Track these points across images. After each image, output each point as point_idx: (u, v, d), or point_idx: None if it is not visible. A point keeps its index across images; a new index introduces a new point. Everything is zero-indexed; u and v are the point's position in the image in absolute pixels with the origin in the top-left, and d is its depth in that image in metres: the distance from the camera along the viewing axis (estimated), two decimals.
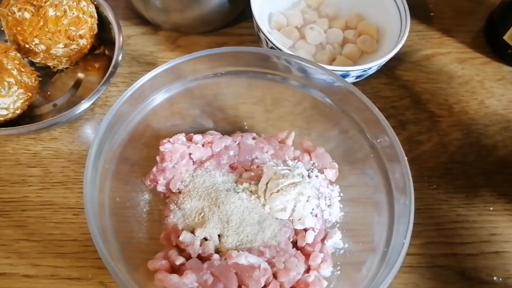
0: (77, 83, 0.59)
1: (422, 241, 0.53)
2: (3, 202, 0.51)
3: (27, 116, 0.54)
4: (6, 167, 0.53)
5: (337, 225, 0.49)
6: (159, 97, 0.50)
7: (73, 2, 0.54)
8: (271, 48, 0.54)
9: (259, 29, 0.54)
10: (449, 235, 0.53)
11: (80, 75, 0.59)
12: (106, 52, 0.60)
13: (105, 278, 0.47)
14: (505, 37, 0.63)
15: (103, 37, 0.59)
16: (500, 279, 0.51)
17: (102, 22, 0.58)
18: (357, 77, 0.55)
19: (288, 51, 0.52)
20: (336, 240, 0.47)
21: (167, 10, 0.60)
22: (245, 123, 0.55)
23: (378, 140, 0.48)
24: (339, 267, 0.47)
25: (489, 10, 0.68)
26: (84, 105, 0.52)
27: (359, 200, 0.51)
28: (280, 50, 0.53)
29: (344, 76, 0.53)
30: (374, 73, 0.60)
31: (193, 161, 0.49)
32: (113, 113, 0.45)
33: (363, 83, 0.62)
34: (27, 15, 0.52)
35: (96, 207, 0.42)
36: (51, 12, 0.52)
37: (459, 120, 0.61)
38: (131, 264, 0.43)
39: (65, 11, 0.53)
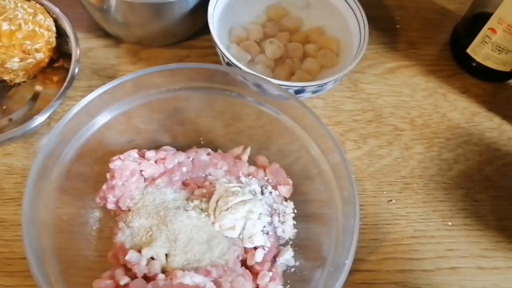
0: (35, 96, 0.58)
1: (379, 257, 0.52)
2: None
3: None
4: None
5: (290, 242, 0.49)
6: (112, 112, 0.50)
7: (28, 16, 0.54)
8: (227, 63, 0.54)
9: (215, 44, 0.54)
10: (406, 250, 0.53)
11: (38, 88, 0.58)
12: (65, 66, 0.59)
13: None
14: (468, 50, 0.63)
15: (63, 50, 0.58)
16: None
17: (62, 35, 0.58)
18: (314, 92, 0.55)
19: (244, 67, 0.52)
20: (288, 257, 0.47)
21: (128, 24, 0.59)
22: (201, 138, 0.54)
23: (329, 158, 0.47)
24: (288, 285, 0.46)
25: (455, 23, 0.68)
26: (39, 119, 0.52)
27: (313, 216, 0.51)
28: (236, 66, 0.52)
29: (300, 91, 0.53)
30: (337, 86, 0.60)
31: (144, 178, 0.49)
32: (60, 127, 0.44)
33: (325, 96, 0.62)
34: None
35: (38, 224, 0.41)
36: (4, 26, 0.52)
37: (421, 133, 0.61)
38: (75, 283, 0.43)
39: (19, 25, 0.53)
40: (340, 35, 0.60)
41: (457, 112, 0.63)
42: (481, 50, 0.61)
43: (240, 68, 0.52)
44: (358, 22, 0.58)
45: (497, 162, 0.60)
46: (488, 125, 0.62)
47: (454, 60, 0.67)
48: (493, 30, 0.58)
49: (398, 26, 0.70)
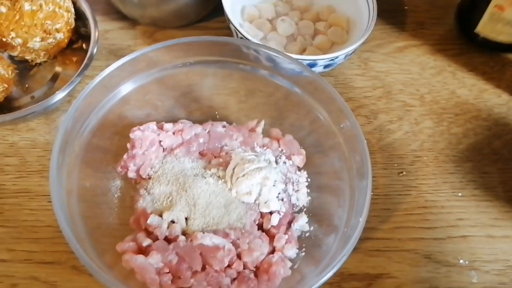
0: (55, 77, 0.60)
1: (390, 226, 0.54)
2: None
3: (5, 108, 0.56)
4: None
5: (304, 210, 0.51)
6: (129, 86, 0.52)
7: None
8: (241, 39, 0.55)
9: (229, 21, 0.56)
10: (417, 220, 0.54)
11: (58, 68, 0.60)
12: (84, 47, 0.61)
13: (77, 262, 0.48)
14: (478, 30, 0.63)
15: (82, 31, 0.60)
16: (466, 262, 0.52)
17: (81, 17, 0.59)
18: (326, 66, 0.56)
19: (256, 41, 0.53)
20: (302, 223, 0.49)
21: (143, 5, 0.61)
22: (216, 113, 0.56)
23: (341, 126, 0.49)
24: (304, 249, 0.48)
25: None
26: (59, 95, 0.53)
27: (326, 186, 0.52)
28: (248, 40, 0.54)
29: (312, 65, 0.55)
30: (347, 64, 0.61)
31: (163, 148, 0.50)
32: (81, 99, 0.46)
33: (336, 73, 0.63)
34: (3, 9, 0.54)
35: (64, 193, 0.43)
36: (26, 7, 0.54)
37: (430, 109, 0.62)
38: (99, 248, 0.44)
39: (40, 6, 0.55)
40: (350, 13, 0.62)
41: (465, 89, 0.64)
42: (491, 28, 0.62)
43: (253, 41, 0.53)
44: (367, 1, 0.59)
45: (506, 137, 0.61)
46: (497, 101, 0.64)
47: (462, 39, 0.68)
48: (499, 7, 0.59)
49: (406, 7, 0.71)
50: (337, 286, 0.50)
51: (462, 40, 0.68)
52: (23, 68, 0.58)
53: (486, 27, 0.62)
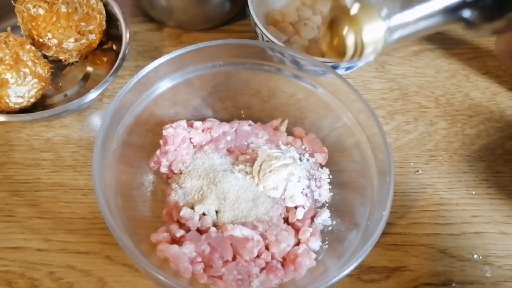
0: (86, 76, 0.63)
1: (407, 222, 0.56)
2: (18, 183, 0.55)
3: (40, 105, 0.58)
4: (21, 152, 0.57)
5: (326, 205, 0.53)
6: (161, 87, 0.54)
7: (83, 0, 0.58)
8: (267, 42, 0.58)
9: (255, 24, 0.58)
10: (433, 216, 0.57)
11: (89, 68, 0.63)
12: (114, 47, 0.64)
13: (111, 252, 0.51)
14: None
15: (111, 33, 0.63)
16: (480, 257, 0.54)
17: (110, 19, 0.62)
18: (347, 68, 0.59)
19: (282, 44, 0.56)
20: (325, 217, 0.51)
21: (171, 8, 0.64)
22: (242, 112, 0.59)
23: (365, 128, 0.51)
24: (327, 242, 0.51)
25: None
26: (93, 94, 0.56)
27: (347, 183, 0.55)
28: (275, 43, 0.57)
29: (334, 68, 0.57)
30: (365, 67, 0.63)
31: (193, 145, 0.53)
32: (119, 100, 0.49)
33: (354, 76, 0.66)
34: (41, 11, 0.56)
35: (104, 185, 0.46)
36: (63, 9, 0.57)
37: (444, 111, 0.65)
38: (135, 239, 0.47)
39: (76, 8, 0.57)
40: None
41: (479, 92, 0.67)
42: None
43: (279, 45, 0.56)
44: None
45: None
46: (509, 103, 0.66)
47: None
48: None
49: None
50: (357, 278, 0.52)
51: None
52: (57, 67, 0.61)
53: None
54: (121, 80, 0.62)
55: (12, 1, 0.58)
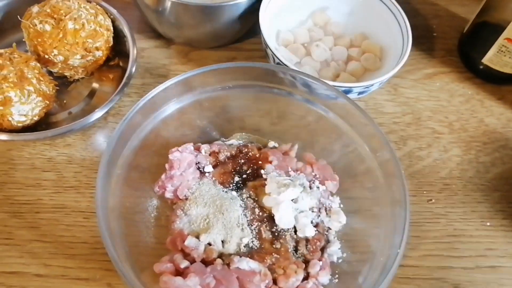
0: (92, 93, 0.61)
1: (420, 254, 0.54)
2: (18, 204, 0.53)
3: (43, 123, 0.57)
4: (22, 171, 0.55)
5: (337, 235, 0.51)
6: (169, 108, 0.53)
7: (91, 16, 0.57)
8: (278, 63, 0.56)
9: (266, 45, 0.57)
10: (446, 248, 0.55)
11: (95, 85, 0.62)
12: (121, 64, 0.62)
13: (112, 279, 0.49)
14: (485, 61, 0.64)
15: (118, 49, 0.61)
16: None
17: (118, 35, 0.61)
18: (360, 93, 0.57)
19: (294, 67, 0.54)
20: (335, 249, 0.49)
21: (180, 25, 0.63)
22: (249, 135, 0.57)
23: (378, 154, 0.50)
24: (337, 275, 0.49)
25: None
26: (98, 114, 0.54)
27: (358, 211, 0.53)
28: (286, 66, 0.55)
29: (347, 92, 0.55)
30: (377, 89, 0.62)
31: (200, 169, 0.51)
32: (125, 122, 0.47)
33: (366, 99, 0.64)
34: (47, 27, 0.55)
35: (106, 211, 0.44)
36: (70, 25, 0.55)
37: (458, 137, 0.63)
38: (137, 267, 0.45)
39: (83, 25, 0.56)
40: (383, 41, 0.63)
41: (493, 118, 0.65)
42: (498, 59, 0.63)
43: (291, 68, 0.54)
44: (401, 29, 0.60)
45: None
46: None
47: (465, 66, 0.68)
48: (509, 40, 0.60)
49: (435, 34, 0.72)
50: None
51: (466, 67, 0.68)
52: (62, 84, 0.60)
53: (493, 58, 0.63)
54: (127, 98, 0.61)
55: (18, 16, 0.57)
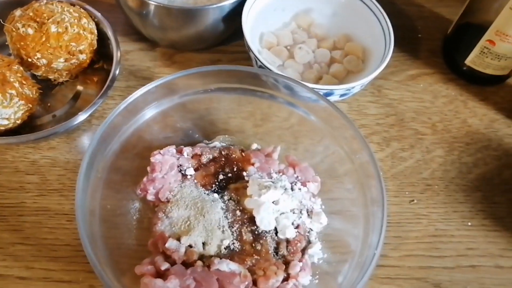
0: (76, 95, 0.61)
1: (401, 254, 0.55)
2: (1, 207, 0.53)
3: (27, 126, 0.57)
4: (6, 174, 0.55)
5: (318, 236, 0.52)
6: (152, 111, 0.53)
7: (74, 19, 0.57)
8: (260, 66, 0.57)
9: (249, 48, 0.57)
10: (427, 248, 0.55)
11: (79, 88, 0.62)
12: (105, 67, 0.63)
13: (95, 281, 0.50)
14: (468, 62, 0.65)
15: (102, 52, 0.62)
16: None
17: (102, 38, 0.61)
18: (342, 95, 0.58)
19: (276, 70, 0.55)
20: (316, 250, 0.50)
21: (164, 28, 0.63)
22: (234, 137, 0.57)
23: (357, 156, 0.50)
24: (317, 276, 0.49)
25: None
26: (82, 117, 0.55)
27: (339, 212, 0.53)
28: (269, 69, 0.55)
29: (329, 94, 0.56)
30: (360, 91, 0.62)
31: (181, 172, 0.52)
32: (106, 125, 0.47)
33: (350, 100, 0.64)
34: (30, 31, 0.55)
35: (87, 213, 0.44)
36: (53, 29, 0.55)
37: (441, 138, 0.63)
38: (118, 269, 0.45)
39: (66, 28, 0.56)
40: (366, 43, 0.63)
41: (476, 119, 0.65)
42: (480, 61, 0.63)
43: (273, 71, 0.54)
44: (383, 30, 0.61)
45: None
46: (507, 131, 0.65)
47: (448, 68, 0.69)
48: (491, 41, 0.61)
49: (419, 35, 0.73)
50: None
51: (449, 68, 0.69)
52: (46, 86, 0.60)
53: (475, 60, 0.64)
54: (111, 101, 0.61)
55: (0, 20, 0.57)
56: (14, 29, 0.56)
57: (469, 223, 0.57)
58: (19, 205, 0.54)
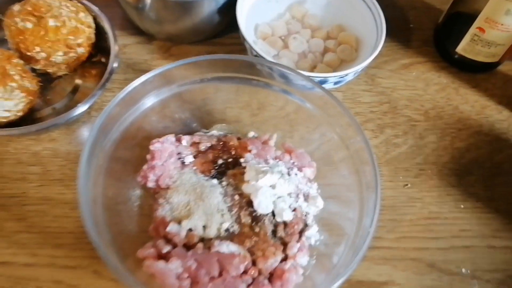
0: (75, 89, 0.63)
1: (396, 236, 0.56)
2: (5, 197, 0.54)
3: (28, 119, 0.58)
4: (8, 165, 0.56)
5: (315, 219, 0.53)
6: (150, 100, 0.54)
7: (72, 13, 0.58)
8: (255, 56, 0.58)
9: (244, 39, 0.58)
10: (422, 230, 0.57)
11: (78, 81, 0.63)
12: (103, 60, 0.64)
13: (99, 267, 0.51)
14: (459, 50, 0.67)
15: (100, 46, 0.63)
16: (468, 271, 0.55)
17: (99, 32, 0.62)
18: (335, 83, 0.59)
19: (271, 59, 0.56)
20: (313, 232, 0.51)
21: (161, 21, 0.64)
22: (231, 126, 0.59)
23: (352, 142, 0.51)
24: (315, 257, 0.50)
25: None
26: (81, 108, 0.56)
27: (335, 197, 0.55)
28: (264, 58, 0.57)
29: (323, 82, 0.57)
30: (354, 80, 0.64)
31: (181, 159, 0.53)
32: (106, 114, 0.48)
33: (344, 89, 0.66)
34: (29, 25, 0.56)
35: (90, 201, 0.46)
36: (51, 23, 0.56)
37: (434, 124, 0.65)
38: (121, 254, 0.46)
39: (64, 22, 0.57)
40: (359, 32, 0.65)
41: (468, 105, 0.67)
42: (471, 48, 0.65)
43: (268, 60, 0.56)
44: (375, 20, 0.62)
45: (507, 151, 0.64)
46: (498, 117, 0.66)
47: (440, 56, 0.70)
48: (481, 29, 0.62)
49: (411, 25, 0.74)
50: None
51: (441, 57, 0.70)
52: (45, 80, 0.61)
53: (466, 47, 0.65)
54: (109, 93, 0.62)
55: (0, 15, 0.58)
56: (13, 24, 0.57)
57: (462, 206, 0.59)
58: (22, 195, 0.55)
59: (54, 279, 0.50)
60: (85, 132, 0.60)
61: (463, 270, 0.54)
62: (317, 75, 0.56)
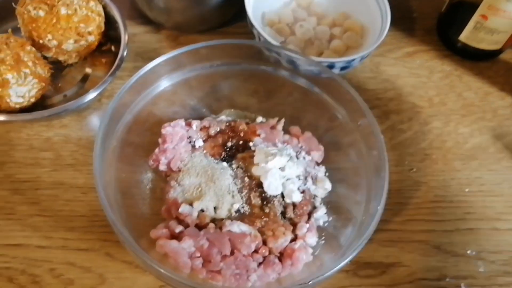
0: (85, 77, 0.64)
1: (403, 219, 0.57)
2: (19, 182, 0.55)
3: (40, 106, 0.59)
4: (21, 151, 0.57)
5: (323, 201, 0.54)
6: (160, 86, 0.55)
7: (82, 2, 0.59)
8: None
9: (252, 25, 0.59)
10: (427, 213, 0.58)
11: (88, 69, 0.64)
12: (113, 49, 0.65)
13: (111, 249, 0.52)
14: (462, 38, 0.67)
15: (110, 35, 0.64)
16: (473, 252, 0.55)
17: (109, 21, 0.63)
18: (342, 68, 0.60)
19: (278, 44, 0.57)
20: (321, 213, 0.52)
21: (169, 10, 0.65)
22: (239, 111, 0.60)
23: (359, 123, 0.52)
24: (323, 237, 0.52)
25: None
26: (92, 94, 0.57)
27: (342, 180, 0.56)
28: (270, 43, 0.58)
29: (330, 67, 0.58)
30: (360, 68, 0.65)
31: (191, 143, 0.54)
32: (118, 99, 0.49)
33: (350, 77, 0.67)
34: (41, 13, 0.57)
35: (104, 183, 0.47)
36: (63, 11, 0.58)
37: (438, 110, 0.66)
38: (135, 235, 0.47)
39: (75, 10, 0.58)
40: (364, 20, 0.66)
41: (471, 92, 0.68)
42: (474, 36, 0.66)
43: (276, 45, 0.57)
44: (380, 8, 0.63)
45: (510, 137, 0.64)
46: (501, 103, 0.67)
47: (443, 45, 0.71)
48: (484, 16, 0.63)
49: (415, 14, 0.75)
50: (353, 273, 0.53)
51: (445, 45, 0.71)
52: (56, 68, 0.62)
53: (469, 35, 0.66)
54: (119, 81, 0.63)
55: (13, 4, 0.59)
56: (25, 12, 0.58)
57: (467, 189, 0.60)
58: (35, 180, 0.56)
59: (67, 261, 0.51)
60: (96, 119, 0.61)
61: (469, 251, 0.55)
62: (325, 60, 0.57)
